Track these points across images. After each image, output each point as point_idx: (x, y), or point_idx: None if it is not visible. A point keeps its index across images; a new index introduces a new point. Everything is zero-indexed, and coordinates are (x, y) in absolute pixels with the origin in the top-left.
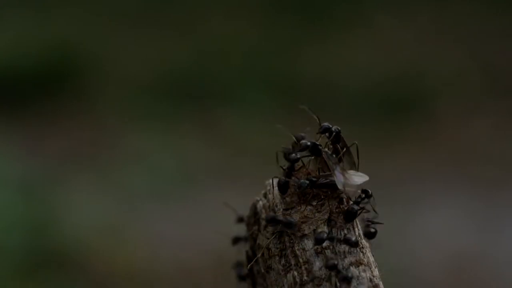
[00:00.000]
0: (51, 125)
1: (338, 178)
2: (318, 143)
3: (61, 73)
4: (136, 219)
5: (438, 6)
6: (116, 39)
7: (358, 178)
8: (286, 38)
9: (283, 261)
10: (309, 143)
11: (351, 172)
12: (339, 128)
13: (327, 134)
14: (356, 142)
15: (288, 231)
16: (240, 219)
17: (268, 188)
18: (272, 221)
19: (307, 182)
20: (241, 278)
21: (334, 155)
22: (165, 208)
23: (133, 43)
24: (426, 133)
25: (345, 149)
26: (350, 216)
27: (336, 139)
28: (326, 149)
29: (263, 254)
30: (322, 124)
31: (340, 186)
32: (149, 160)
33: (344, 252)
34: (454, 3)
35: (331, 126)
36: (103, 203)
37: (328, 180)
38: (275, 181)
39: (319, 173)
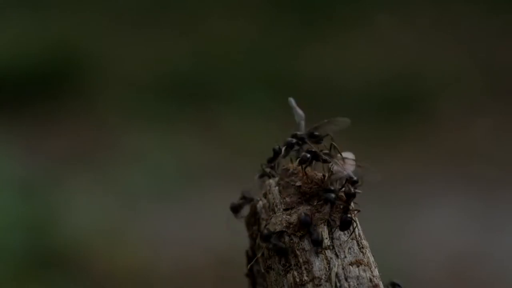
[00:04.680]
0: (51, 125)
1: (340, 166)
2: (317, 150)
3: (61, 73)
4: (136, 219)
5: (438, 6)
6: (116, 39)
7: (349, 165)
8: (286, 38)
9: (283, 261)
10: (308, 155)
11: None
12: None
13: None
14: (331, 134)
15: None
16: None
17: (268, 188)
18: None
19: (308, 155)
20: (235, 209)
21: (329, 152)
22: (165, 208)
23: (133, 43)
24: (426, 133)
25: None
26: (345, 225)
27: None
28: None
29: (263, 254)
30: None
31: (342, 171)
32: (149, 160)
33: (344, 252)
34: (454, 3)
35: (293, 140)
36: (103, 203)
37: (327, 158)
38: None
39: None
